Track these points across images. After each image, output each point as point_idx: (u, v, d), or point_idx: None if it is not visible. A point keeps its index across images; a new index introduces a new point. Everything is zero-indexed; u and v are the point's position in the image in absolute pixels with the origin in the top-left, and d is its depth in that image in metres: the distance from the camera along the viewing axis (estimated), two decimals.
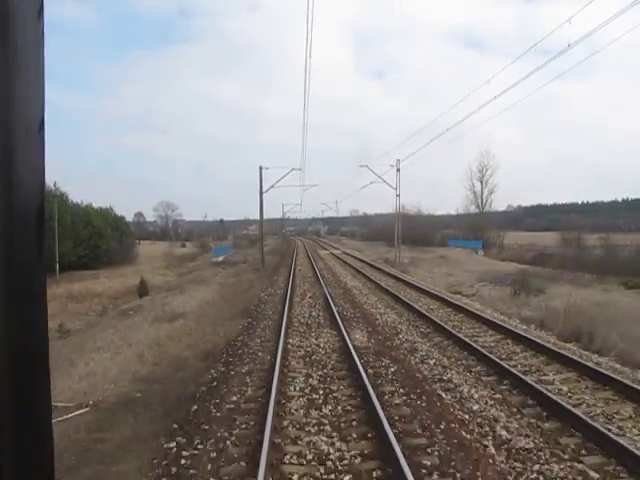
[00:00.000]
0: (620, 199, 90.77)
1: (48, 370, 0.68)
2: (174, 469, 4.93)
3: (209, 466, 4.86)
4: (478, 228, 64.00)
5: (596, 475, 4.58)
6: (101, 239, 54.54)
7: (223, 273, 31.83)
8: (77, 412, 7.87)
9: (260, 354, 9.12)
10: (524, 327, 11.67)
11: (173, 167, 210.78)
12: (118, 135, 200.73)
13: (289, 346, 9.52)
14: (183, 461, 5.03)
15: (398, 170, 30.29)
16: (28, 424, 0.63)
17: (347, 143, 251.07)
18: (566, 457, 4.95)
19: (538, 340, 9.64)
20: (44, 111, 0.66)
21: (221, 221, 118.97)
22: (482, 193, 68.10)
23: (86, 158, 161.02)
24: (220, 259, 44.10)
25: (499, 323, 11.45)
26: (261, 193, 28.83)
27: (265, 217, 33.94)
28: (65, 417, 7.61)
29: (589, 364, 8.02)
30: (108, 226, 58.05)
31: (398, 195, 31.12)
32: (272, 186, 29.70)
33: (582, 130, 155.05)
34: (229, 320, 13.50)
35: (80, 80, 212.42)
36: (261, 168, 28.54)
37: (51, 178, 46.14)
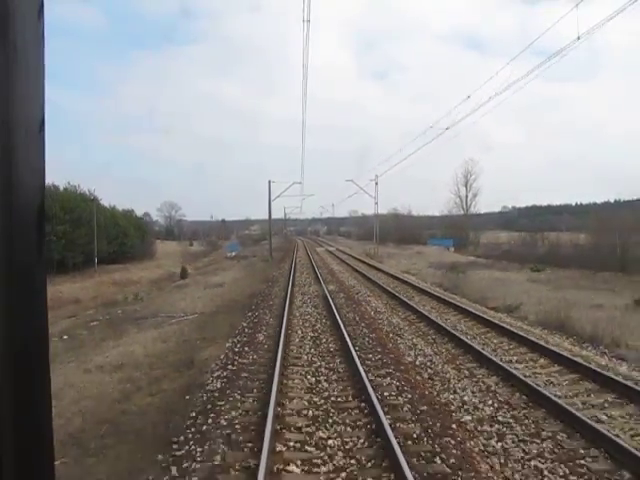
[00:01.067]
0: (612, 200, 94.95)
1: (48, 370, 0.68)
2: (251, 318, 13.38)
3: (267, 315, 13.38)
4: (460, 228, 72.57)
5: (402, 320, 13.12)
6: (126, 237, 62.22)
7: (239, 264, 40.36)
8: (192, 315, 16.38)
9: (279, 293, 17.67)
10: (428, 285, 20.21)
11: (174, 167, 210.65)
12: (120, 135, 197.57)
13: (294, 290, 18.05)
14: (255, 315, 13.52)
15: (376, 184, 39.08)
16: (28, 424, 0.64)
17: (347, 144, 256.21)
18: (394, 313, 13.47)
19: (427, 289, 18.16)
20: (44, 111, 0.67)
21: (223, 221, 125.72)
22: (467, 197, 76.83)
23: (88, 158, 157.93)
24: (233, 254, 52.61)
25: (413, 283, 19.96)
26: (270, 202, 37.37)
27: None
28: (189, 317, 16.13)
29: (440, 295, 16.52)
30: (131, 226, 66.02)
31: (376, 203, 40.06)
32: (277, 196, 38.33)
33: (580, 131, 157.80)
34: (255, 285, 22.00)
35: (82, 80, 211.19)
36: (270, 182, 37.14)
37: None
